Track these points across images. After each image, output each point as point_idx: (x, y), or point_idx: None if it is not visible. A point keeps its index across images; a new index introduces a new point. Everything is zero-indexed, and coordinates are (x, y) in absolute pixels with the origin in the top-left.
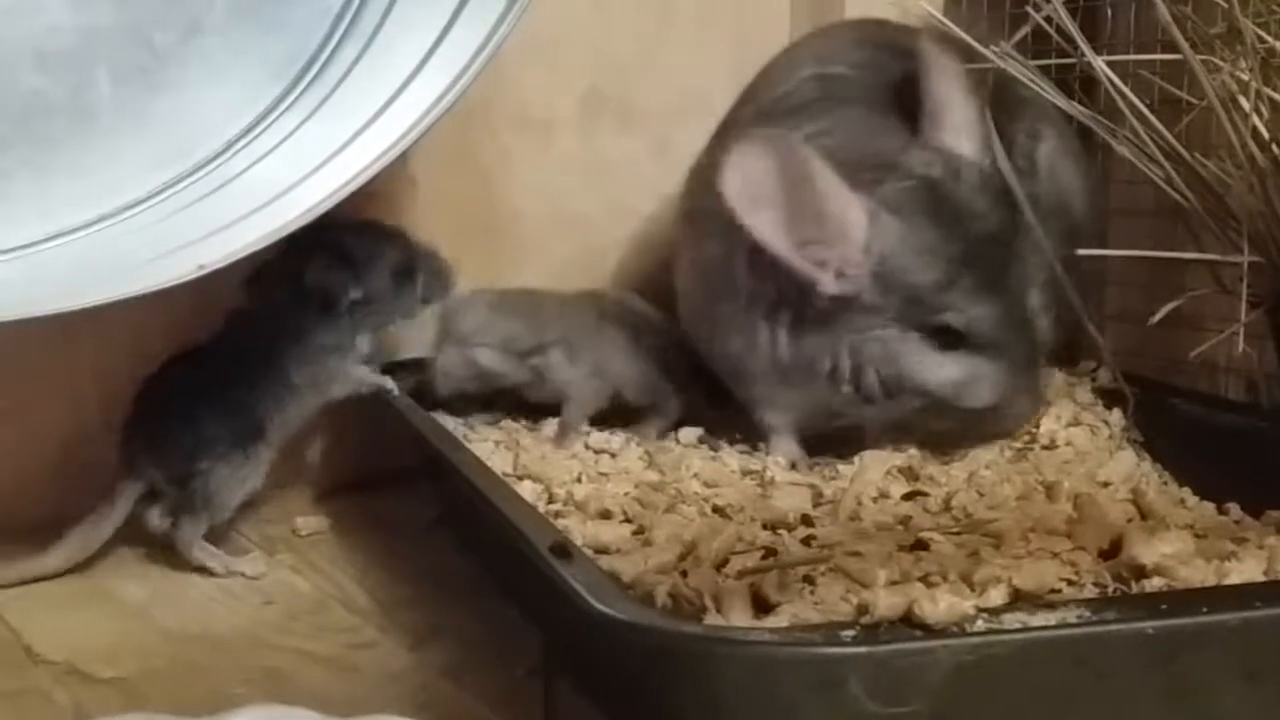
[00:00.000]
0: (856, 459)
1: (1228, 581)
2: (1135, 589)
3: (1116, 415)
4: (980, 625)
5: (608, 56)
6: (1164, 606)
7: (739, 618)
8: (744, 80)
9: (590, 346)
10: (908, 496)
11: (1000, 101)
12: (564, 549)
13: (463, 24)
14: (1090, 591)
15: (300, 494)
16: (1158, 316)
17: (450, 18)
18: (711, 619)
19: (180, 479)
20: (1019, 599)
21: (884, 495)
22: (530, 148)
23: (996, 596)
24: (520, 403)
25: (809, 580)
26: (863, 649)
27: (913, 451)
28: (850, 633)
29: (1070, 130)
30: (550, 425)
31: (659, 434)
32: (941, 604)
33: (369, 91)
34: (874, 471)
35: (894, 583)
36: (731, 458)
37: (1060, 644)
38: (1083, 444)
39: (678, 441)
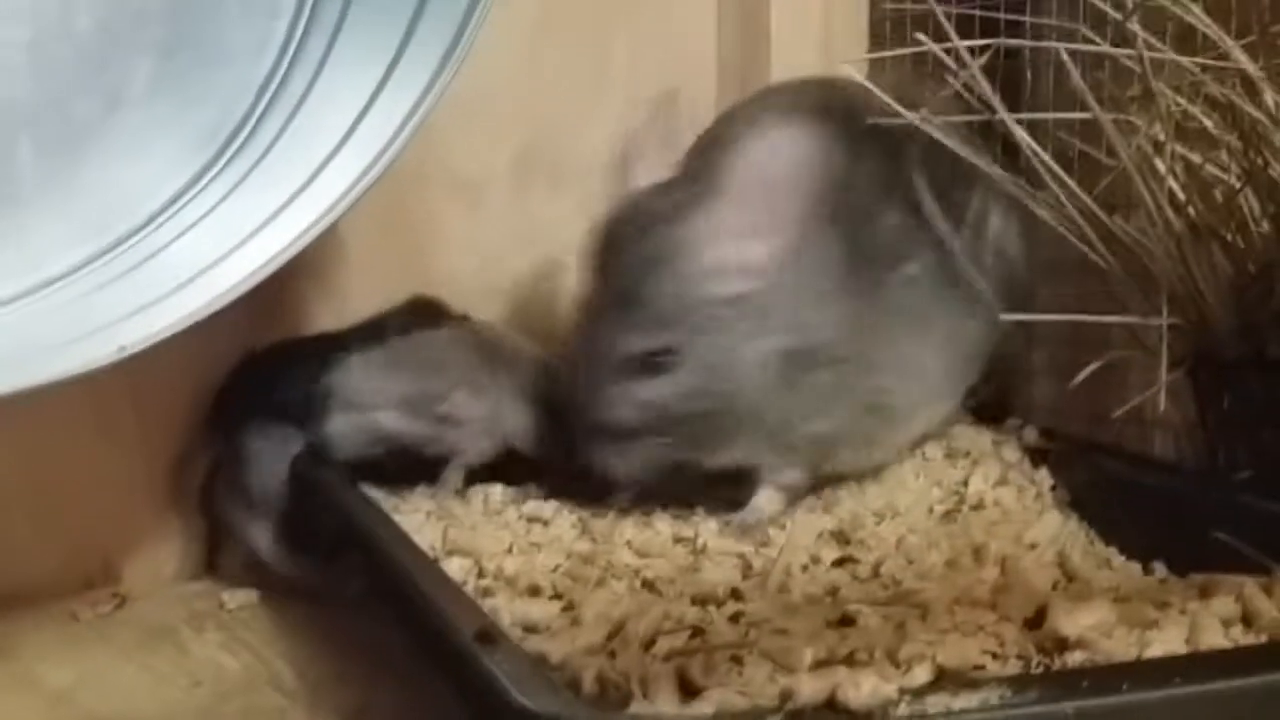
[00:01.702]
0: (788, 522)
1: (1149, 652)
2: (1059, 662)
3: (1044, 474)
4: (904, 709)
5: (538, 117)
6: (1085, 684)
7: (666, 702)
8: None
9: (484, 392)
10: (838, 563)
11: (950, 167)
12: (488, 635)
13: (389, 93)
14: (1014, 665)
15: (228, 566)
16: (1079, 379)
17: (377, 86)
18: (638, 705)
19: None
20: (943, 677)
21: (815, 561)
22: (460, 209)
23: (921, 674)
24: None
25: (737, 660)
26: None
27: (843, 515)
28: (774, 719)
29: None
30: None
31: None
32: (864, 688)
33: (296, 162)
34: (804, 536)
35: (820, 663)
36: (664, 523)
37: None
38: (1010, 504)
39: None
